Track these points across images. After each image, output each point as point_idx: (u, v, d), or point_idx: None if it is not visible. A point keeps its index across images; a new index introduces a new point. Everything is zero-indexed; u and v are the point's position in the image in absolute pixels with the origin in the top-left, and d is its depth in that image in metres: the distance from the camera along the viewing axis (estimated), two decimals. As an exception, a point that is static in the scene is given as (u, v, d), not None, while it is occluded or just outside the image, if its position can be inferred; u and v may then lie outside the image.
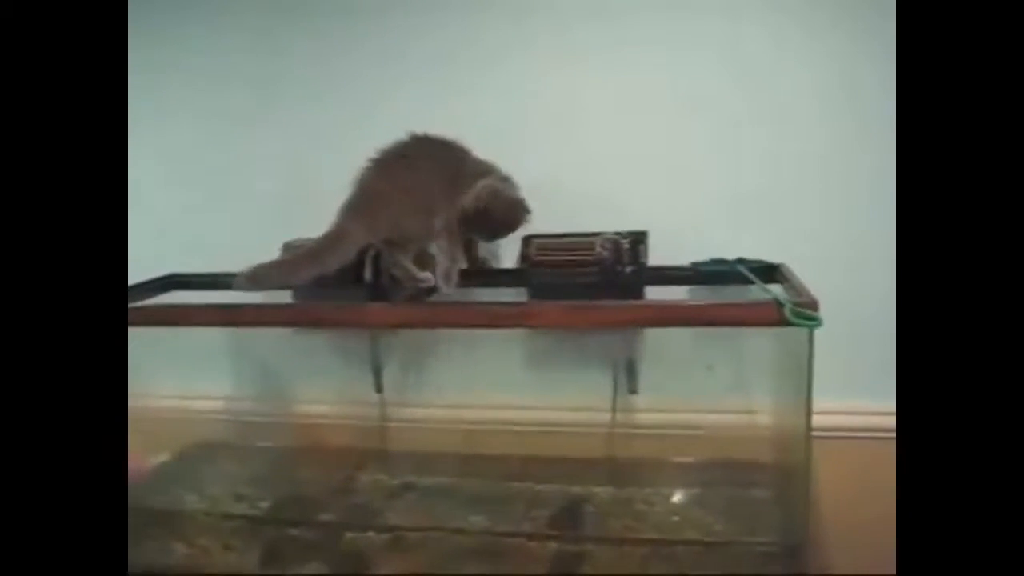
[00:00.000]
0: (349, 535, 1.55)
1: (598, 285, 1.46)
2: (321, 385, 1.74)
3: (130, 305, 1.51)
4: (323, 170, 1.74)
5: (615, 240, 1.50)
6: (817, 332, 1.12)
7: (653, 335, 1.61)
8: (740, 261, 1.48)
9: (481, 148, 1.64)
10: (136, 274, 1.64)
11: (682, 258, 1.54)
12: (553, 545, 1.46)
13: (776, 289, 1.30)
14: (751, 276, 1.39)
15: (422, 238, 1.42)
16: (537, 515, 1.55)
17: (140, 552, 1.57)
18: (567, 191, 1.64)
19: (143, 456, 1.77)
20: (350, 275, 1.50)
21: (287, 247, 1.64)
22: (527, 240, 1.56)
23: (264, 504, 1.67)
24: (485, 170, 1.44)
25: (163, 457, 1.81)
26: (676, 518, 1.54)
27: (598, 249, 1.48)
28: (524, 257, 1.55)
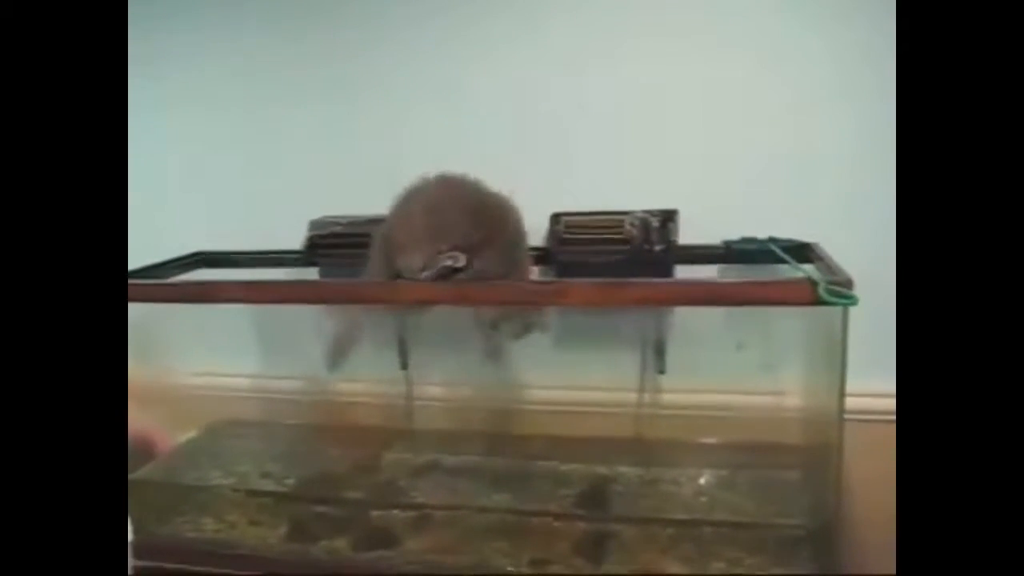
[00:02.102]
0: (375, 512, 1.55)
1: (627, 264, 1.45)
2: (348, 362, 1.73)
3: (159, 282, 1.52)
4: (350, 148, 1.76)
5: (644, 218, 1.48)
6: (851, 313, 1.10)
7: (682, 314, 1.59)
8: (772, 240, 1.46)
9: (510, 125, 1.64)
10: (166, 252, 1.65)
11: (713, 237, 1.52)
12: (579, 525, 1.45)
13: (809, 268, 1.28)
14: (783, 255, 1.37)
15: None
16: (563, 495, 1.55)
17: (169, 526, 1.59)
18: (596, 169, 1.62)
19: (171, 432, 1.78)
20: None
21: (313, 224, 1.64)
22: (555, 218, 1.55)
23: (290, 481, 1.68)
24: (504, 204, 1.41)
25: (191, 433, 1.82)
26: (704, 499, 1.53)
27: (627, 227, 1.47)
28: (552, 235, 1.54)
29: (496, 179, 1.65)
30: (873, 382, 1.33)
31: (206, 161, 1.87)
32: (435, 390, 1.75)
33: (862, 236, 1.46)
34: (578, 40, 1.61)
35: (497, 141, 1.66)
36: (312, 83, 1.76)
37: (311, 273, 1.66)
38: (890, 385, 1.41)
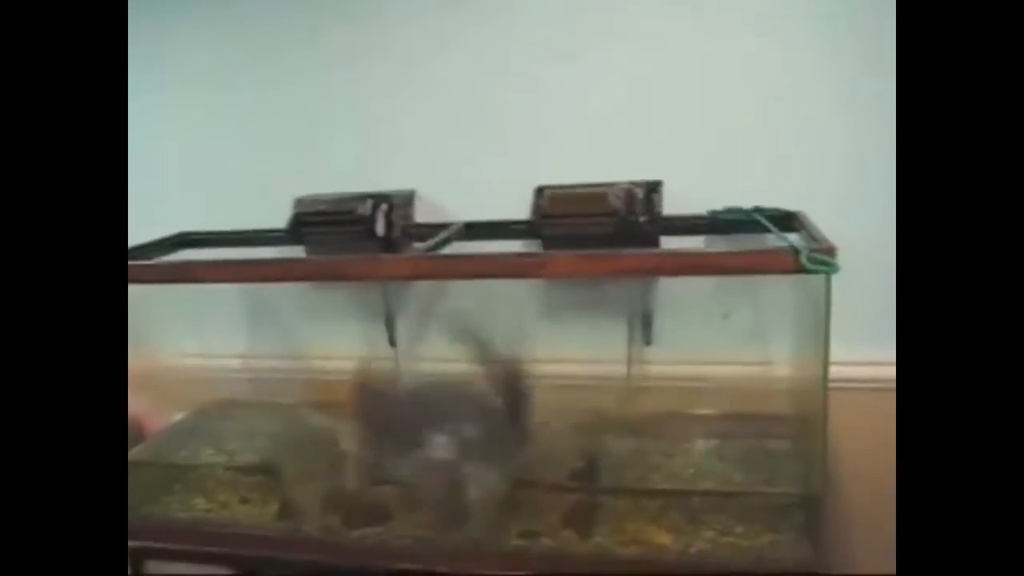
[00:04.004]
0: (364, 490, 1.55)
1: (613, 235, 1.44)
2: (336, 339, 1.73)
3: (142, 263, 1.51)
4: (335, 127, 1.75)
5: (629, 190, 1.48)
6: (837, 281, 1.10)
7: (668, 285, 1.59)
8: (756, 209, 1.45)
9: (491, 98, 1.62)
10: (149, 232, 1.64)
11: (697, 207, 1.51)
12: (569, 497, 1.46)
13: (793, 237, 1.28)
14: (767, 224, 1.37)
15: None
16: (552, 468, 1.55)
17: (161, 505, 1.59)
18: (579, 141, 1.61)
19: (161, 412, 1.78)
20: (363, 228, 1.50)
21: (298, 202, 1.63)
22: (539, 191, 1.54)
23: (279, 460, 1.67)
24: None
25: (181, 413, 1.82)
26: (692, 470, 1.54)
27: (612, 199, 1.46)
28: (536, 208, 1.53)
29: (479, 153, 1.65)
30: (859, 350, 1.33)
31: (197, 142, 1.86)
32: (423, 365, 1.74)
33: (849, 206, 1.46)
34: (565, 15, 1.59)
35: (479, 115, 1.65)
36: (301, 61, 1.75)
37: (299, 252, 1.65)
38: (876, 353, 1.43)
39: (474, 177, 1.67)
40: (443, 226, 1.59)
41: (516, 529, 1.41)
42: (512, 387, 1.41)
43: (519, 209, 1.60)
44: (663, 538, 1.35)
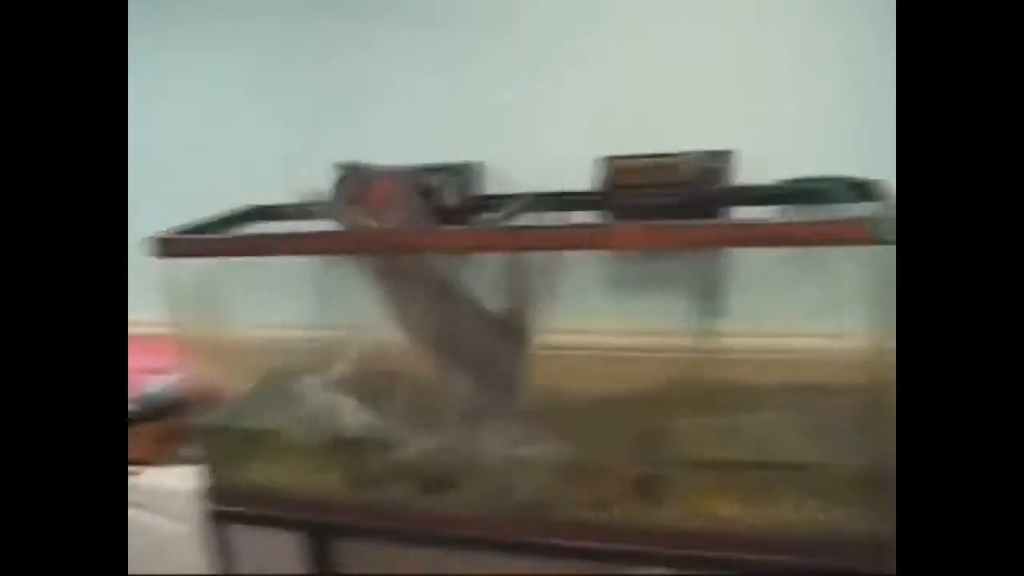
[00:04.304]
0: (434, 458, 1.57)
1: (681, 206, 1.43)
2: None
3: (215, 236, 1.55)
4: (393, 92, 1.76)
5: (698, 160, 1.46)
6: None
7: (738, 256, 1.57)
8: (830, 178, 1.42)
9: (568, 66, 1.61)
10: (219, 205, 1.68)
11: (768, 177, 1.49)
12: (634, 469, 1.46)
13: (866, 206, 1.25)
14: (841, 193, 1.34)
15: None
16: (617, 440, 1.55)
17: (233, 471, 1.64)
18: (648, 110, 1.60)
19: (234, 381, 1.83)
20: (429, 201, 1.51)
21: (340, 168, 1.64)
22: (606, 161, 1.53)
23: (352, 429, 1.71)
24: None
25: (251, 383, 1.86)
26: (762, 442, 1.52)
27: (681, 169, 1.45)
28: (604, 180, 1.52)
29: (547, 123, 1.64)
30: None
31: (266, 115, 1.89)
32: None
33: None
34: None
35: (547, 84, 1.64)
36: (364, 31, 1.76)
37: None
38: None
39: (543, 148, 1.66)
40: (512, 198, 1.59)
41: (584, 499, 1.42)
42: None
43: (586, 179, 1.59)
44: (733, 511, 1.34)
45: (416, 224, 1.41)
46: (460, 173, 1.59)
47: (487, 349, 1.52)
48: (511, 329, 1.52)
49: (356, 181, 1.41)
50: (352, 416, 1.68)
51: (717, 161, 1.46)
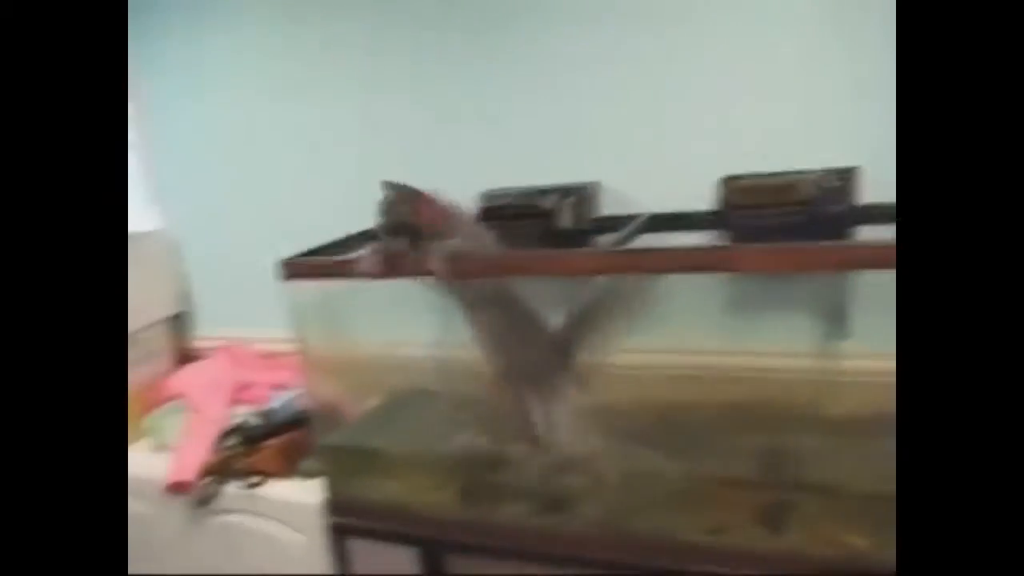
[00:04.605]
0: (551, 479, 1.58)
1: (804, 226, 1.39)
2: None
3: (334, 258, 1.59)
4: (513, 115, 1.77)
5: (821, 178, 1.42)
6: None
7: (865, 277, 1.51)
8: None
9: (685, 86, 1.60)
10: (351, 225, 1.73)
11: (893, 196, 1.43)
12: (757, 494, 1.42)
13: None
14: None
15: None
16: (740, 464, 1.52)
17: (358, 486, 1.68)
18: (763, 127, 1.57)
19: (356, 399, 1.87)
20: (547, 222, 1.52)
21: (484, 196, 1.66)
22: (726, 181, 1.51)
23: (467, 447, 1.73)
24: None
25: (374, 401, 1.91)
26: (888, 470, 1.46)
27: (803, 188, 1.41)
28: (723, 199, 1.50)
29: (662, 143, 1.63)
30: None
31: (388, 140, 1.94)
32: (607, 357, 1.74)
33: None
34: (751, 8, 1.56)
35: (664, 104, 1.64)
36: (486, 51, 1.79)
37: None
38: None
39: (657, 167, 1.66)
40: (627, 218, 1.58)
41: (704, 524, 1.40)
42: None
43: (702, 200, 1.57)
44: (859, 541, 1.29)
45: (470, 244, 1.42)
46: (576, 194, 1.59)
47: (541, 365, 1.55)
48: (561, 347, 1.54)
49: (400, 202, 1.42)
50: (470, 435, 1.70)
51: (840, 179, 1.42)
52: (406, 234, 1.41)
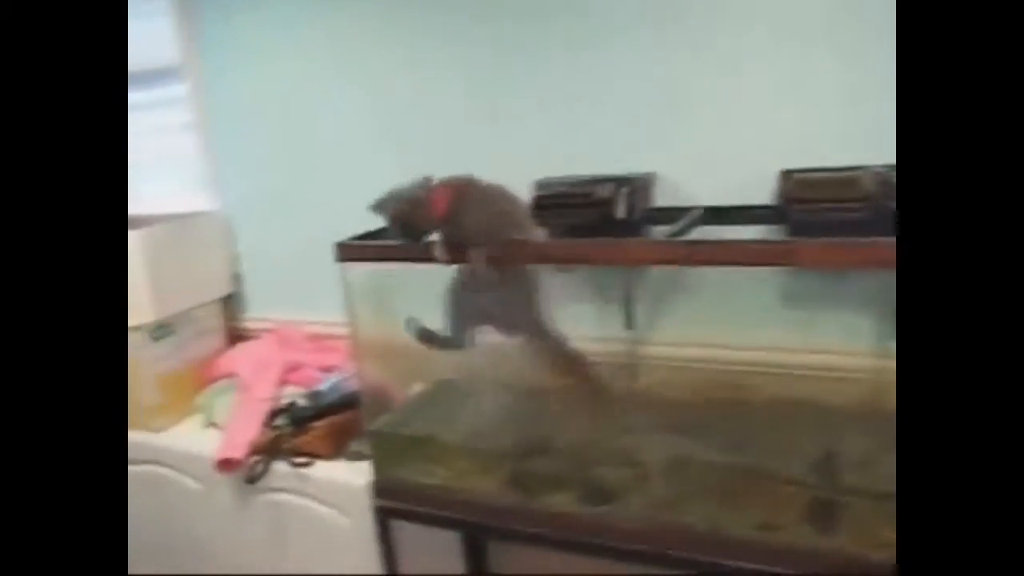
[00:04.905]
0: (596, 469, 1.58)
1: (865, 222, 1.37)
2: (572, 321, 1.75)
3: (388, 242, 1.60)
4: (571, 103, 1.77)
5: (884, 173, 1.40)
6: None
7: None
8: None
9: (740, 79, 1.58)
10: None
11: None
12: (808, 493, 1.41)
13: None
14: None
15: None
16: (791, 460, 1.50)
17: (405, 470, 1.69)
18: (821, 123, 1.55)
19: (403, 384, 1.89)
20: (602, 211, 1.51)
21: (539, 185, 1.66)
22: (786, 174, 1.49)
23: (515, 434, 1.73)
24: None
25: (422, 386, 1.92)
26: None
27: (865, 183, 1.39)
28: (782, 193, 1.48)
29: (716, 135, 1.62)
30: None
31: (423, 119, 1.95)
32: (660, 350, 1.73)
33: None
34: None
35: (718, 97, 1.62)
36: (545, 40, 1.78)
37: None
38: None
39: (712, 159, 1.64)
40: (682, 210, 1.57)
41: (753, 520, 1.39)
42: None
43: (755, 193, 1.56)
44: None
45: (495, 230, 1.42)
46: (631, 184, 1.58)
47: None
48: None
49: (415, 192, 1.43)
50: (516, 423, 1.70)
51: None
52: (411, 235, 1.44)
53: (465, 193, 1.43)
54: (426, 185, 1.43)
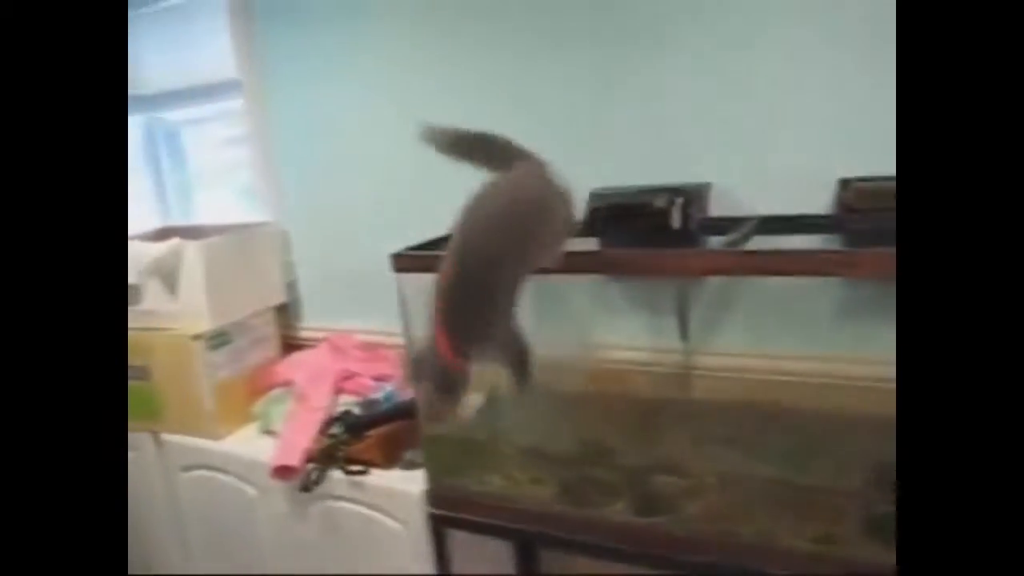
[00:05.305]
0: (650, 478, 1.57)
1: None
2: (626, 331, 1.76)
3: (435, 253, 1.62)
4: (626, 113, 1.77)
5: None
6: None
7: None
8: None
9: (798, 88, 1.58)
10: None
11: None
12: (866, 505, 1.40)
13: None
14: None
15: None
16: (847, 473, 1.49)
17: (459, 478, 1.71)
18: (881, 130, 1.53)
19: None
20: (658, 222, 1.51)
21: (594, 196, 1.66)
22: (844, 183, 1.48)
23: (568, 444, 1.74)
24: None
25: (475, 396, 1.93)
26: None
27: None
28: (840, 202, 1.47)
29: (772, 145, 1.61)
30: None
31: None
32: (714, 360, 1.73)
33: None
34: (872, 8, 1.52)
35: (774, 106, 1.62)
36: (595, 52, 1.79)
37: (590, 243, 1.69)
38: None
39: (768, 168, 1.64)
40: (737, 220, 1.57)
41: (809, 532, 1.37)
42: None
43: (806, 203, 1.55)
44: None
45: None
46: (685, 194, 1.58)
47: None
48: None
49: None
50: (570, 432, 1.71)
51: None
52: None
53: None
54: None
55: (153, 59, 2.67)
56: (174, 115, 2.82)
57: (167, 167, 2.89)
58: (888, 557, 1.29)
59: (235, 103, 2.46)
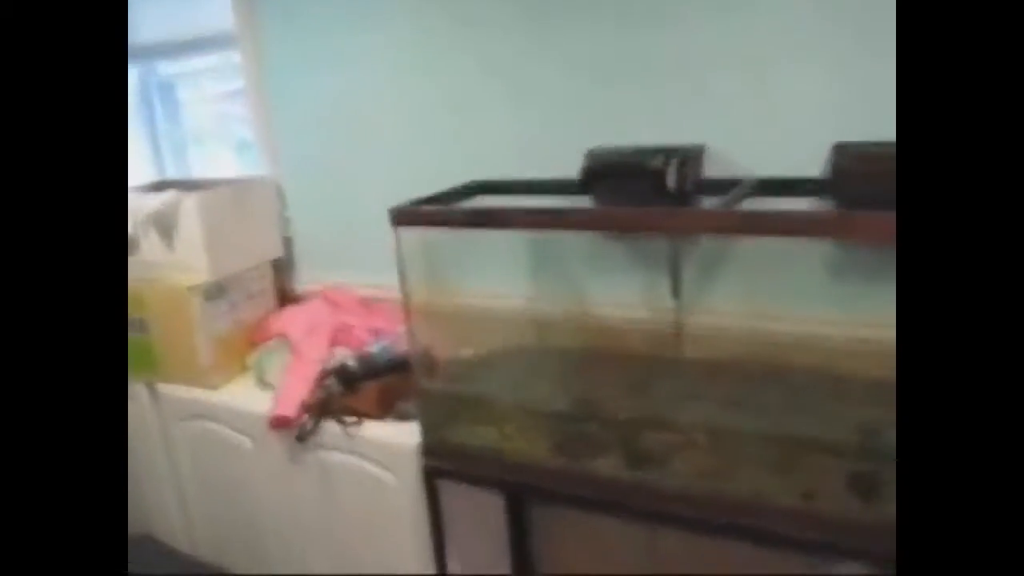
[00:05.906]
0: (641, 434, 1.60)
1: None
2: (618, 289, 1.77)
3: (442, 207, 1.63)
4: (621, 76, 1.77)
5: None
6: None
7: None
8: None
9: (793, 53, 1.58)
10: (451, 180, 1.76)
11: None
12: (851, 463, 1.43)
13: None
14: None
15: None
16: (836, 431, 1.52)
17: (451, 431, 1.73)
18: (876, 95, 1.54)
19: (452, 347, 1.92)
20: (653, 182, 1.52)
21: (590, 155, 1.67)
22: (839, 148, 1.49)
23: (561, 400, 1.76)
24: None
25: (469, 351, 1.95)
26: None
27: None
28: (836, 166, 1.48)
29: (767, 108, 1.61)
30: None
31: (474, 89, 1.97)
32: (706, 319, 1.75)
33: None
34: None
35: (770, 70, 1.62)
36: (595, 12, 1.78)
37: (585, 200, 1.70)
38: None
39: (763, 131, 1.64)
40: (733, 182, 1.58)
41: (797, 488, 1.41)
42: None
43: (805, 166, 1.56)
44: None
45: None
46: (681, 155, 1.59)
47: None
48: None
49: None
50: (562, 388, 1.73)
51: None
52: None
53: None
54: None
55: (149, 8, 2.64)
56: (169, 68, 2.79)
57: (162, 120, 2.88)
58: (867, 513, 1.34)
59: (231, 57, 2.45)
